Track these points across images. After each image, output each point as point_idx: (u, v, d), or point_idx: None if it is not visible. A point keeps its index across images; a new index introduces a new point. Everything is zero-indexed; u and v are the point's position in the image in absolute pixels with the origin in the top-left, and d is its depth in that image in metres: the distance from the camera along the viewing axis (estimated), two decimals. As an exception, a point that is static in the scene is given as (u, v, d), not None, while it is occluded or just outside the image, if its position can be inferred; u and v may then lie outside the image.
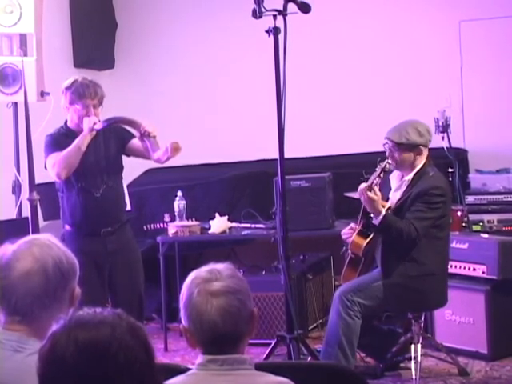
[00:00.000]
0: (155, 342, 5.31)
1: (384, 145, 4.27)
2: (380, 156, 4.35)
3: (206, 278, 2.00)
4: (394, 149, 4.22)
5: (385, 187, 4.38)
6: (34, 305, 1.91)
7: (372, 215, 4.20)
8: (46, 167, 4.27)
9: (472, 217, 5.69)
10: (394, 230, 4.10)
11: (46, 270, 1.92)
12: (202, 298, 1.97)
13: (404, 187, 4.26)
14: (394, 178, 4.36)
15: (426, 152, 4.25)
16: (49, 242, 1.99)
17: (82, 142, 4.18)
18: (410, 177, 4.25)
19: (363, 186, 4.16)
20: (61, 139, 4.28)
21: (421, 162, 4.24)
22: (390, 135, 4.24)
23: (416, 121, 4.29)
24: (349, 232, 4.41)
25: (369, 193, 4.12)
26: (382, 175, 4.17)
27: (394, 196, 4.30)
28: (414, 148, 4.20)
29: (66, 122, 4.36)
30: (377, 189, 4.16)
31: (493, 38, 6.68)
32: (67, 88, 4.27)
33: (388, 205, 4.24)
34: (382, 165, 4.18)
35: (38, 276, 1.91)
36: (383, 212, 4.13)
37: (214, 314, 1.96)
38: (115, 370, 1.43)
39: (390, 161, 4.21)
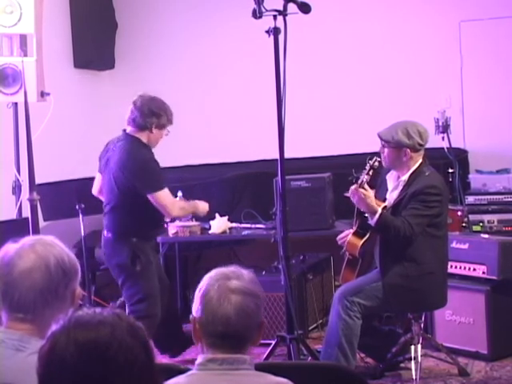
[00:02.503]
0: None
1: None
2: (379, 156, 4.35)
3: (229, 275, 2.04)
4: (384, 146, 4.23)
5: (382, 188, 4.38)
6: (36, 301, 1.92)
7: (367, 215, 4.20)
8: (152, 194, 4.44)
9: (472, 217, 5.69)
10: (392, 228, 4.09)
11: (48, 267, 1.94)
12: (221, 291, 2.00)
13: (400, 187, 4.26)
14: (391, 178, 4.36)
15: (417, 156, 4.22)
16: (52, 242, 2.01)
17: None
18: (406, 177, 4.24)
19: (354, 186, 4.16)
20: (158, 164, 4.56)
21: (416, 162, 4.23)
22: (381, 131, 4.26)
23: (412, 122, 4.27)
24: (345, 236, 4.40)
25: (361, 189, 4.12)
26: (370, 173, 4.17)
27: (391, 196, 4.30)
28: (400, 148, 4.19)
29: (140, 141, 4.53)
30: (367, 187, 4.15)
31: (493, 38, 6.68)
32: (165, 111, 4.58)
33: (384, 204, 4.24)
34: (371, 162, 4.18)
35: (40, 272, 1.93)
36: (379, 211, 4.12)
37: (229, 309, 1.99)
38: (115, 370, 1.44)
39: (379, 158, 4.22)
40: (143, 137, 4.54)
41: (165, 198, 4.48)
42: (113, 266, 4.60)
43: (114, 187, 4.51)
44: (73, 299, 1.99)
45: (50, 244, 1.99)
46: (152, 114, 4.52)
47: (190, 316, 2.06)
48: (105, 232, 4.62)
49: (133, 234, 4.53)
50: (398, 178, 4.30)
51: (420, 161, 4.24)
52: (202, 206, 4.79)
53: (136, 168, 4.46)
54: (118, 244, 4.56)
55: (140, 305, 4.50)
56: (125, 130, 4.59)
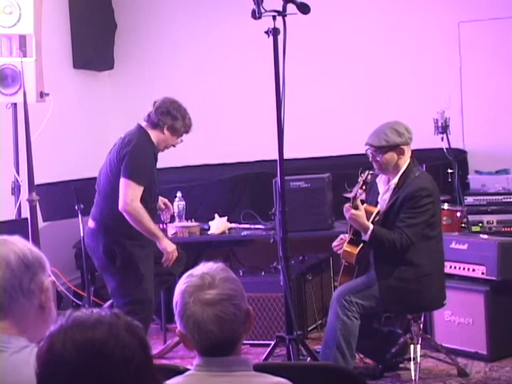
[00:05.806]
0: (154, 342, 5.31)
1: (366, 151, 4.26)
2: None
3: (199, 285, 1.98)
4: (376, 153, 4.21)
5: (373, 192, 4.38)
6: (2, 298, 1.92)
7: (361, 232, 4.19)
8: (125, 179, 4.28)
9: (471, 218, 5.69)
10: (387, 242, 4.09)
11: (9, 264, 1.92)
12: (197, 307, 1.96)
13: (391, 191, 4.26)
14: (381, 181, 4.36)
15: (408, 151, 4.24)
16: (13, 240, 1.99)
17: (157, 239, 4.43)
18: (395, 180, 4.24)
19: (347, 204, 4.15)
20: (152, 162, 4.44)
21: (405, 162, 4.23)
22: (370, 140, 4.24)
23: (393, 121, 4.29)
24: (339, 243, 4.38)
25: (353, 211, 4.11)
26: (364, 187, 4.18)
27: (383, 200, 4.30)
28: (396, 148, 4.20)
29: (149, 137, 4.45)
30: (359, 203, 4.15)
31: (492, 38, 6.68)
32: (183, 116, 4.54)
33: (377, 209, 4.24)
34: (364, 176, 4.18)
35: (1, 270, 1.92)
36: (371, 227, 4.12)
37: (210, 324, 1.95)
38: (112, 368, 1.44)
39: (371, 171, 4.22)
40: (153, 135, 4.46)
41: (131, 191, 4.26)
42: (96, 259, 4.47)
43: (108, 173, 4.40)
44: (41, 292, 1.97)
45: (11, 242, 1.98)
46: (168, 113, 4.46)
47: (177, 330, 2.02)
48: (89, 221, 4.47)
49: (117, 226, 4.35)
50: (389, 181, 4.30)
51: (408, 161, 4.25)
52: (170, 245, 4.47)
53: (129, 152, 4.31)
54: (97, 235, 4.42)
55: (127, 308, 4.27)
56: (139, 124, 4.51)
